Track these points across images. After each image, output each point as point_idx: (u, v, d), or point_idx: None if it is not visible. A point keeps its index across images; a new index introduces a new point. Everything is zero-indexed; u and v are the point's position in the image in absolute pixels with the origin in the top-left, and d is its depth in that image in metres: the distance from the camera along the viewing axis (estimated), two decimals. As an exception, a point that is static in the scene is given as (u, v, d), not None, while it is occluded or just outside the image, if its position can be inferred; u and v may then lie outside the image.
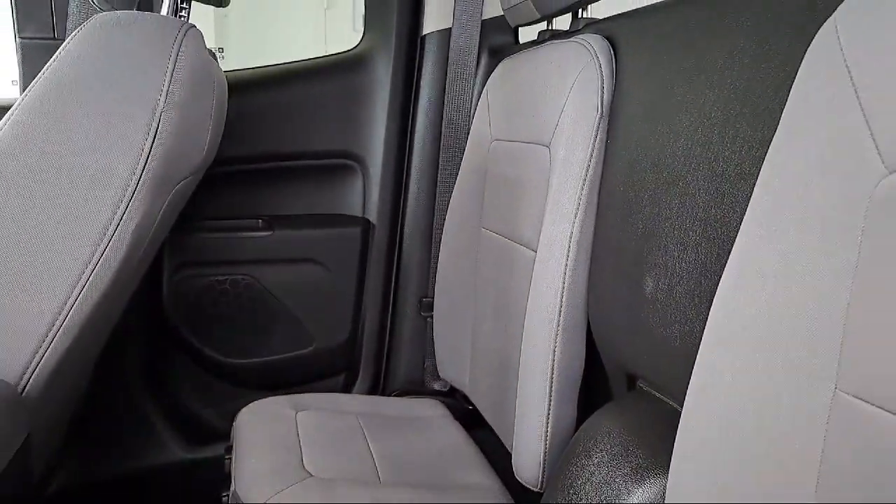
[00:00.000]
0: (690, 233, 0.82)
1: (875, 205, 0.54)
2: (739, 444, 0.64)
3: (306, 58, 1.76)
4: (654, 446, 0.85)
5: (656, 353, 0.91)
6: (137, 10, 1.30)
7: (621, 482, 0.85)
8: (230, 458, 1.33)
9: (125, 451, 1.62)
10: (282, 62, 1.74)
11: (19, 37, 1.46)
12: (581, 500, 0.88)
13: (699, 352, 0.69)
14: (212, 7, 1.45)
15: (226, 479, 1.32)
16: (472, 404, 1.48)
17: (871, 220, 0.55)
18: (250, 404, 1.46)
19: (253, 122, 1.65)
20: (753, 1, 0.80)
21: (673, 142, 0.89)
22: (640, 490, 0.83)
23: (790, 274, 0.60)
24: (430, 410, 1.53)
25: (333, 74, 1.73)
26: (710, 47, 0.86)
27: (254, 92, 1.66)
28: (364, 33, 1.75)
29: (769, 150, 0.64)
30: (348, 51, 1.76)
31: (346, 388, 1.77)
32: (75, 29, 1.36)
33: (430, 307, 1.66)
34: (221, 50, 4.25)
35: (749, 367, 0.63)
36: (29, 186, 0.86)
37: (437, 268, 1.60)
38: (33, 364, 0.87)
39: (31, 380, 0.87)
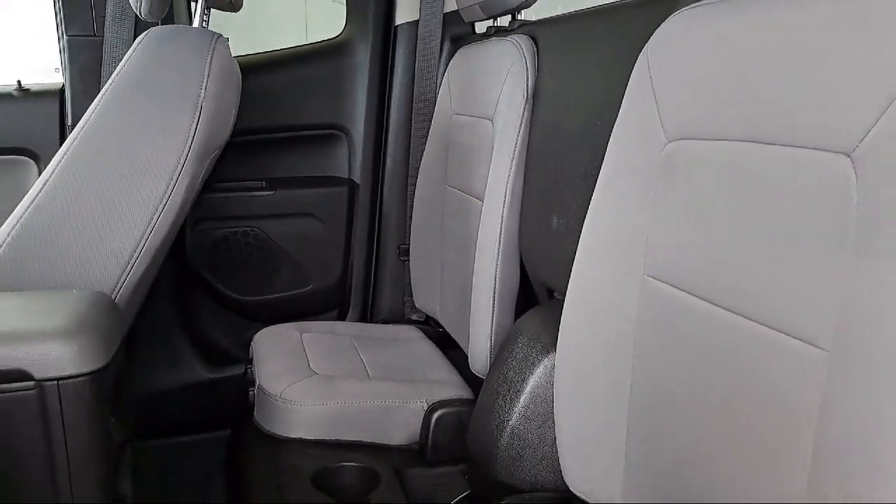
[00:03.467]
0: (577, 184, 1.19)
1: (663, 160, 0.91)
2: (591, 317, 1.01)
3: (294, 45, 2.10)
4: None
5: (564, 271, 1.28)
6: (169, 14, 1.64)
7: (534, 357, 1.23)
8: (251, 367, 1.69)
9: (158, 370, 1.97)
10: (269, 49, 2.07)
11: (66, 34, 1.78)
12: (508, 372, 1.26)
13: (574, 262, 1.06)
14: None
15: (246, 386, 1.68)
16: (442, 328, 1.85)
17: (662, 170, 0.91)
18: (263, 329, 1.82)
19: (256, 99, 1.98)
20: (620, 29, 1.16)
21: (571, 119, 1.25)
22: (545, 359, 1.21)
23: (621, 204, 0.97)
24: (409, 333, 1.91)
25: (321, 58, 2.07)
26: (595, 54, 1.22)
27: (255, 74, 1.99)
28: (346, 24, 2.09)
29: (613, 129, 1.00)
30: (332, 38, 2.09)
31: (339, 320, 2.13)
32: (112, 27, 1.70)
33: (407, 252, 2.03)
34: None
35: (596, 267, 1.01)
36: (117, 151, 1.21)
37: (411, 219, 1.97)
38: (121, 280, 1.23)
39: (119, 292, 1.23)
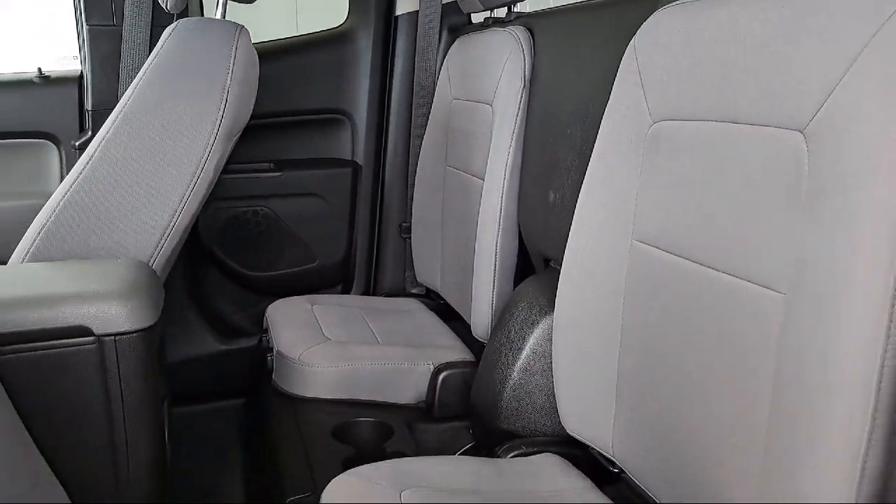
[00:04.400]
0: (571, 162, 1.33)
1: (648, 139, 1.04)
2: (585, 280, 1.15)
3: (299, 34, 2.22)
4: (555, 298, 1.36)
5: (559, 241, 1.41)
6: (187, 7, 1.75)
7: (533, 318, 1.37)
8: (266, 336, 1.82)
9: (171, 343, 2.08)
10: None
11: (86, 24, 1.89)
12: (510, 332, 1.40)
13: (569, 232, 1.20)
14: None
15: (257, 357, 1.80)
16: (442, 300, 1.98)
17: (646, 147, 1.05)
18: (275, 301, 1.95)
19: (264, 85, 2.09)
20: (609, 22, 1.29)
21: (564, 103, 1.38)
22: (544, 320, 1.34)
23: (612, 179, 1.11)
24: (411, 305, 2.04)
25: (325, 47, 2.18)
26: (587, 45, 1.36)
27: (264, 61, 2.08)
28: (348, 14, 2.20)
29: (605, 113, 1.14)
30: (336, 28, 2.21)
31: (344, 294, 2.26)
32: (131, 17, 1.82)
33: (408, 230, 2.16)
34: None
35: (590, 235, 1.14)
36: (153, 132, 1.34)
37: (412, 198, 2.09)
38: (157, 250, 1.35)
39: (155, 262, 1.35)
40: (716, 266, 0.90)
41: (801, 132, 0.78)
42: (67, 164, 2.00)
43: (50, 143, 2.02)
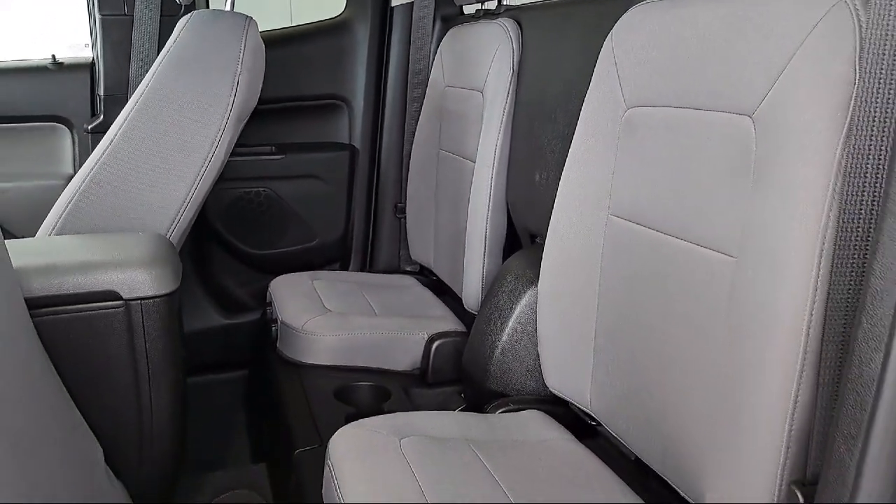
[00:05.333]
0: (556, 144, 1.45)
1: (623, 123, 1.17)
2: (567, 252, 1.27)
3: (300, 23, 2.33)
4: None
5: (545, 218, 1.54)
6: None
7: (521, 288, 1.49)
8: (270, 309, 1.94)
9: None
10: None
11: (99, 13, 1.99)
12: (499, 302, 1.52)
13: (553, 209, 1.32)
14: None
15: (260, 330, 1.92)
16: (435, 276, 2.10)
17: (621, 131, 1.17)
18: (278, 277, 2.06)
19: (266, 72, 2.20)
20: (590, 17, 1.41)
21: (549, 91, 1.50)
22: (530, 290, 1.47)
23: (590, 159, 1.23)
24: (406, 281, 2.16)
25: (324, 36, 2.29)
26: (571, 37, 1.47)
27: (267, 50, 2.20)
28: (346, 5, 2.31)
29: (585, 99, 1.25)
30: (334, 18, 2.32)
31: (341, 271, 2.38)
32: (141, 7, 1.92)
33: (403, 210, 2.28)
34: None
35: (572, 211, 1.26)
36: (170, 114, 1.45)
37: (407, 180, 2.21)
38: (173, 225, 1.46)
39: (171, 235, 1.47)
40: (679, 235, 1.02)
41: (750, 117, 0.90)
42: (80, 147, 2.10)
43: (63, 126, 2.12)
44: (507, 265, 1.60)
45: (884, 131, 0.71)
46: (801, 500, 0.80)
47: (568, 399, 1.32)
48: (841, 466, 0.68)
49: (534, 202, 1.57)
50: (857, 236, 0.75)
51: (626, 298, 1.15)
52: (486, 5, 1.91)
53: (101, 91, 2.06)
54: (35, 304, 1.16)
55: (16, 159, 2.06)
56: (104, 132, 1.52)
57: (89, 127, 2.06)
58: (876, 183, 0.72)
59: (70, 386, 1.20)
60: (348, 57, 2.28)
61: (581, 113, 1.26)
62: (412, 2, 2.21)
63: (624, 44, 1.18)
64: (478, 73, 1.77)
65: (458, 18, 2.16)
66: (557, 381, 1.33)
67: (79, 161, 2.10)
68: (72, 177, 2.03)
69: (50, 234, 1.42)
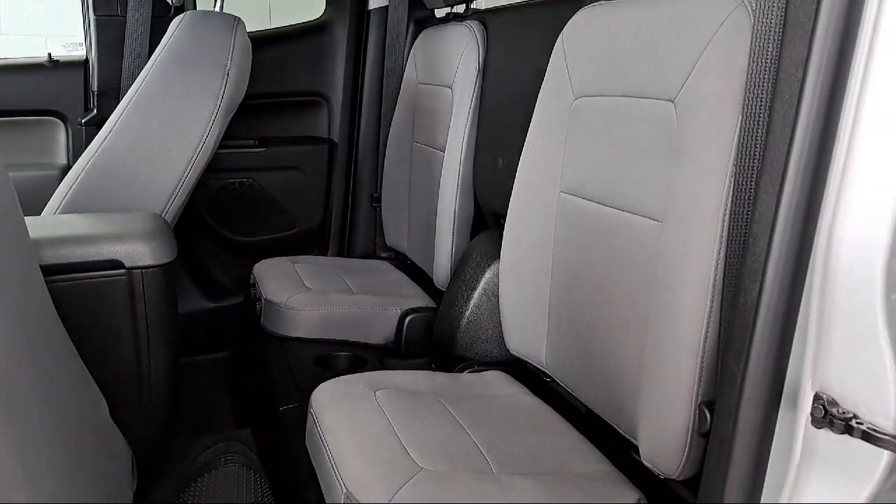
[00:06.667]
0: (515, 133, 1.61)
1: (571, 112, 1.33)
2: (524, 226, 1.43)
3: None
4: (502, 245, 1.64)
5: (507, 200, 1.70)
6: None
7: (485, 263, 1.65)
8: (255, 289, 2.07)
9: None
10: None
11: (94, 14, 2.12)
12: (466, 276, 1.68)
13: (512, 189, 1.47)
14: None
15: (244, 313, 2.05)
16: (409, 261, 2.25)
17: (570, 118, 1.33)
18: (261, 261, 2.20)
19: (251, 70, 2.35)
20: (546, 18, 1.58)
21: (511, 85, 1.67)
22: (494, 264, 1.63)
23: (544, 144, 1.39)
24: (381, 265, 2.31)
25: (305, 37, 2.45)
26: (529, 36, 1.64)
27: (252, 48, 2.35)
28: (325, 7, 2.46)
29: (540, 91, 1.42)
30: (315, 20, 2.47)
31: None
32: (134, 9, 2.06)
33: (379, 199, 2.43)
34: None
35: (528, 190, 1.42)
36: (166, 105, 1.59)
37: (382, 171, 2.36)
38: (167, 206, 1.61)
39: (166, 215, 1.61)
40: (617, 205, 1.19)
41: (672, 102, 1.07)
42: (74, 139, 2.23)
43: (58, 120, 2.24)
44: (473, 244, 1.76)
45: (766, 109, 0.88)
46: (709, 416, 0.96)
47: (526, 359, 1.47)
48: (732, 381, 0.84)
49: (497, 185, 1.72)
50: (749, 196, 0.91)
51: (574, 264, 1.31)
52: (456, 9, 2.07)
53: (94, 87, 2.18)
54: (47, 272, 1.30)
55: (13, 150, 2.18)
56: (97, 125, 1.66)
57: (83, 121, 2.19)
58: (759, 151, 0.89)
59: (78, 346, 1.34)
60: (328, 56, 2.43)
61: (536, 103, 1.42)
62: (387, 5, 2.37)
63: (573, 42, 1.34)
64: (447, 70, 1.93)
65: (429, 21, 2.32)
66: (517, 343, 1.49)
67: (73, 152, 2.22)
68: (66, 167, 2.17)
69: (55, 214, 1.56)
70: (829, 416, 0.74)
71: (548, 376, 1.44)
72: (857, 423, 0.72)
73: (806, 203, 0.74)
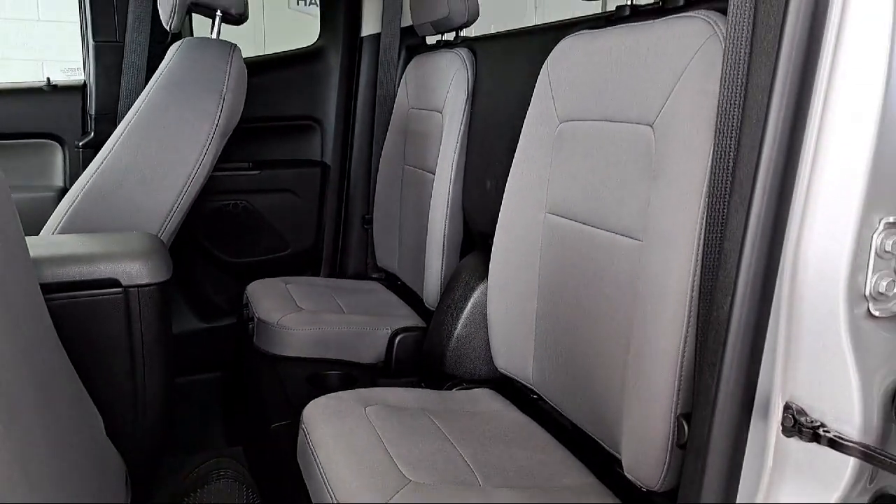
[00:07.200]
0: (503, 156, 1.65)
1: (556, 136, 1.37)
2: (512, 246, 1.47)
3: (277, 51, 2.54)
4: (491, 265, 1.68)
5: (496, 220, 1.74)
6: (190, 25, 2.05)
7: (473, 283, 1.69)
8: (248, 309, 2.11)
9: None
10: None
11: (92, 40, 2.17)
12: (455, 296, 1.71)
13: (500, 210, 1.52)
14: None
15: (237, 334, 2.09)
16: (399, 281, 2.29)
17: (555, 142, 1.38)
18: (254, 282, 2.24)
19: (245, 94, 2.39)
20: (532, 46, 1.63)
21: (499, 110, 1.72)
22: (482, 284, 1.66)
23: (530, 167, 1.43)
24: (372, 285, 2.35)
25: (299, 62, 2.50)
26: (516, 63, 1.69)
27: (248, 73, 2.40)
28: (320, 34, 2.52)
29: (526, 115, 1.46)
30: (308, 47, 2.53)
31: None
32: (132, 35, 2.11)
33: (370, 222, 2.47)
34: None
35: (515, 211, 1.46)
36: (163, 129, 1.63)
37: (374, 194, 2.41)
38: (163, 227, 1.64)
39: (162, 235, 1.64)
40: (599, 225, 1.23)
41: (651, 126, 1.12)
42: (71, 162, 2.27)
43: (56, 143, 2.28)
44: (462, 264, 1.80)
45: (736, 132, 0.93)
46: (686, 427, 1.00)
47: (513, 376, 1.51)
48: (706, 393, 0.88)
49: (486, 207, 1.77)
50: (722, 215, 0.96)
51: (559, 283, 1.35)
52: (446, 36, 2.13)
53: (92, 111, 2.23)
54: (45, 290, 1.33)
55: (11, 172, 2.22)
56: (94, 149, 1.69)
57: (80, 144, 2.23)
58: (731, 172, 0.94)
59: (74, 362, 1.37)
60: (321, 81, 2.48)
61: (523, 127, 1.47)
62: (380, 33, 2.42)
63: (557, 69, 1.39)
64: (438, 95, 1.98)
65: (420, 48, 2.38)
66: (504, 361, 1.52)
67: (69, 175, 2.26)
68: (63, 189, 2.21)
69: (53, 234, 1.59)
70: (799, 424, 0.78)
71: (535, 393, 1.47)
72: (824, 431, 0.76)
73: (773, 222, 0.78)
